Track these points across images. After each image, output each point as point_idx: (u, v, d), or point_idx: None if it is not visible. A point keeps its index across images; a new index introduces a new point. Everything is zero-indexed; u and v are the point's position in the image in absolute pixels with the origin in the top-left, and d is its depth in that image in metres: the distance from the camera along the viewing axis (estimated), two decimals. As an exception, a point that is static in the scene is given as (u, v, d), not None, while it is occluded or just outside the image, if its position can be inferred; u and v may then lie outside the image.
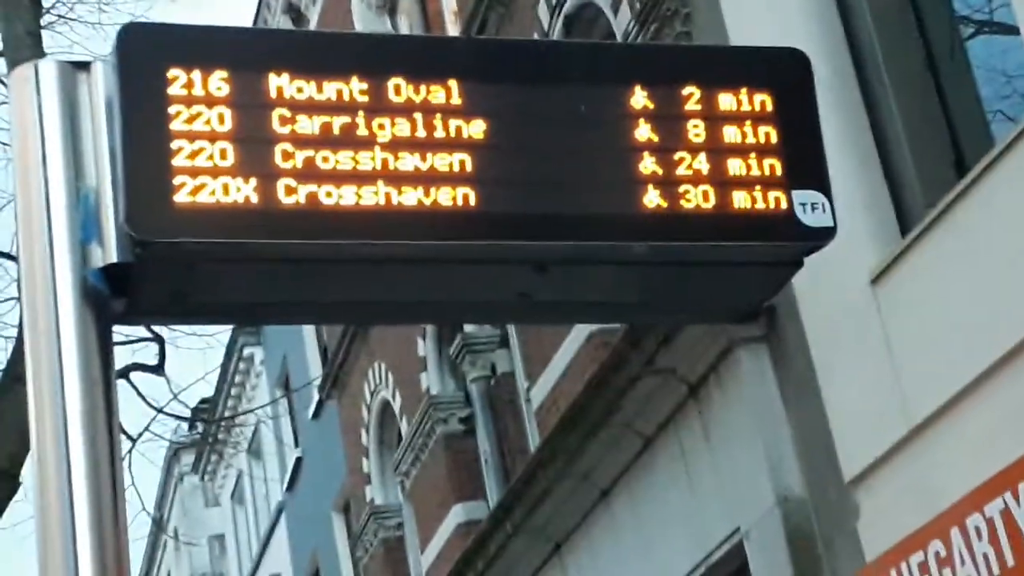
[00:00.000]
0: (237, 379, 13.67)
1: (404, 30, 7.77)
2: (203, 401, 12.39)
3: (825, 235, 0.91)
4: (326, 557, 11.43)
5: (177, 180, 0.84)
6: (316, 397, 10.37)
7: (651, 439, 4.82)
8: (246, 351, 13.34)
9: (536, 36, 5.46)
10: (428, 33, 7.07)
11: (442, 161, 0.84)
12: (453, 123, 0.85)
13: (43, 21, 5.11)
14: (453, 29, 6.74)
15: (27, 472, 4.29)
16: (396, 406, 8.08)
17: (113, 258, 0.84)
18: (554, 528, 5.57)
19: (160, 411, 6.43)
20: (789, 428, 4.18)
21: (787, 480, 4.13)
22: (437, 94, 0.86)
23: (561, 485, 5.32)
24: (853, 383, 3.88)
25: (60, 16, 6.07)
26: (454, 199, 0.83)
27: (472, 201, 0.83)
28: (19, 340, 4.37)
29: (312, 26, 8.93)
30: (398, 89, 0.84)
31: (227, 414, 13.57)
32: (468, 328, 6.65)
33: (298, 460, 12.04)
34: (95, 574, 0.81)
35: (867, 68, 3.93)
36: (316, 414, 10.80)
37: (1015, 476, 2.96)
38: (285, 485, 12.57)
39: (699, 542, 4.63)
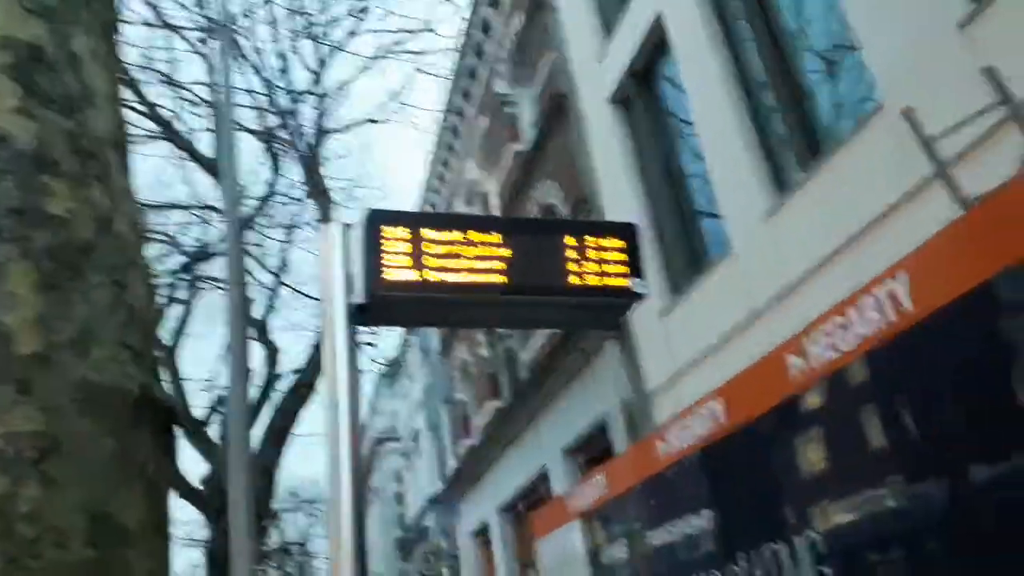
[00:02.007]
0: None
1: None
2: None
3: (644, 297, 2.11)
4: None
5: (385, 270, 2.03)
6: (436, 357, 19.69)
7: (571, 376, 10.49)
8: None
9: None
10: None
11: (492, 264, 2.05)
12: (495, 249, 2.07)
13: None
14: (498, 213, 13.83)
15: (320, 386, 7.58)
16: (471, 362, 16.49)
17: (360, 300, 2.03)
18: (531, 410, 11.86)
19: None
20: (626, 372, 9.10)
21: (624, 392, 9.07)
22: (488, 238, 2.08)
23: (535, 393, 11.53)
24: (653, 358, 8.72)
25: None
26: (496, 279, 2.04)
27: (503, 280, 2.03)
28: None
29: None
30: (474, 235, 2.06)
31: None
32: (500, 331, 13.61)
33: (429, 382, 21.66)
34: (349, 441, 1.95)
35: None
36: (438, 362, 19.84)
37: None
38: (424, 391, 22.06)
39: (589, 417, 10.09)
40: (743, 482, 4.55)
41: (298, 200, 10.85)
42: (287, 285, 11.74)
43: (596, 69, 10.03)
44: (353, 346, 1.98)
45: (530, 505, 12.39)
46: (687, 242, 8.58)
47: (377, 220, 2.02)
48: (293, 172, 10.67)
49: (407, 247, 2.00)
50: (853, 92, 6.56)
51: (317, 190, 8.96)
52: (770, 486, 4.26)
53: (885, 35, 5.71)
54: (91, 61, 1.14)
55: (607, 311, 2.12)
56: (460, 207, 16.38)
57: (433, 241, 2.02)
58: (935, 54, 5.24)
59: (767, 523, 4.21)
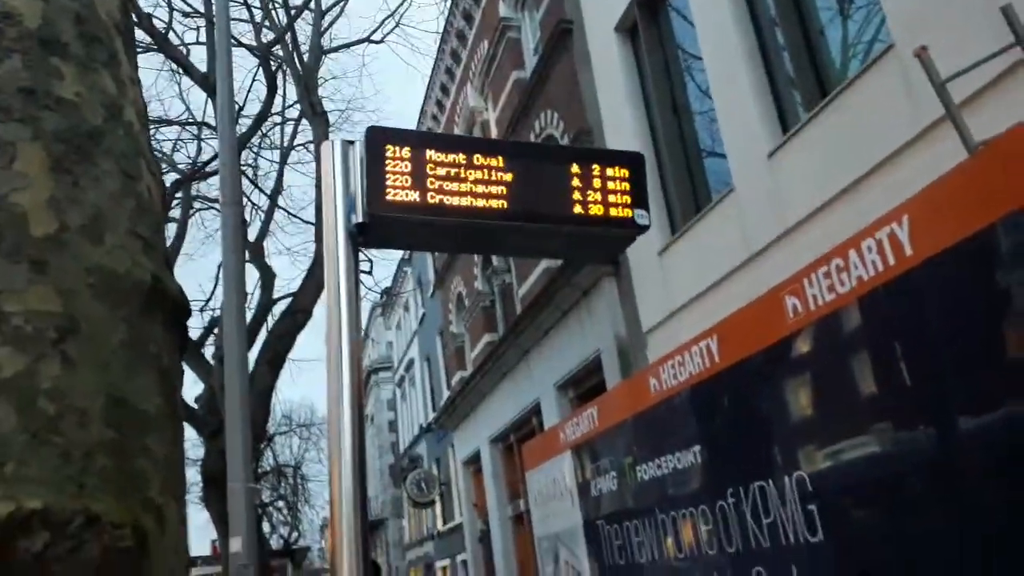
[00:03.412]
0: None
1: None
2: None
3: (647, 228, 2.09)
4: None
5: (387, 190, 2.00)
6: (432, 289, 20.52)
7: (566, 311, 10.60)
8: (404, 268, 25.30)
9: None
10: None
11: (494, 188, 2.02)
12: (498, 173, 2.04)
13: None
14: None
15: (317, 310, 8.23)
16: (465, 294, 16.46)
17: (359, 220, 2.00)
18: (524, 344, 12.11)
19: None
20: (621, 309, 9.23)
21: (618, 329, 9.26)
22: (493, 161, 2.04)
23: (529, 328, 11.63)
24: (649, 296, 8.83)
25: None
26: (498, 204, 2.01)
27: (505, 205, 2.00)
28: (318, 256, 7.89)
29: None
30: (479, 158, 2.02)
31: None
32: (495, 261, 14.31)
33: (423, 314, 23.27)
34: (350, 356, 1.95)
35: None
36: (433, 293, 20.59)
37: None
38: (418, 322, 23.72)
39: (582, 353, 10.20)
40: (734, 420, 4.61)
41: (294, 121, 10.66)
42: (282, 208, 11.68)
43: (604, -3, 9.76)
44: (354, 265, 1.97)
45: (521, 437, 12.63)
46: (688, 180, 8.50)
47: (380, 138, 1.98)
48: (290, 92, 10.50)
49: (409, 167, 1.97)
50: (864, 32, 6.40)
51: (314, 111, 8.81)
52: (761, 425, 4.32)
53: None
54: None
55: (609, 242, 2.10)
56: (459, 134, 16.17)
57: (436, 163, 1.98)
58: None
59: (756, 461, 4.28)
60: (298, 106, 9.87)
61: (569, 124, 10.46)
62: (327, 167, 1.98)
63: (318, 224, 8.58)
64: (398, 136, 2.00)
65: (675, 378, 5.05)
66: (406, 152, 1.97)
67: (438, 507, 21.26)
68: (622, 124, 9.19)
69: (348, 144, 2.00)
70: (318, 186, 8.71)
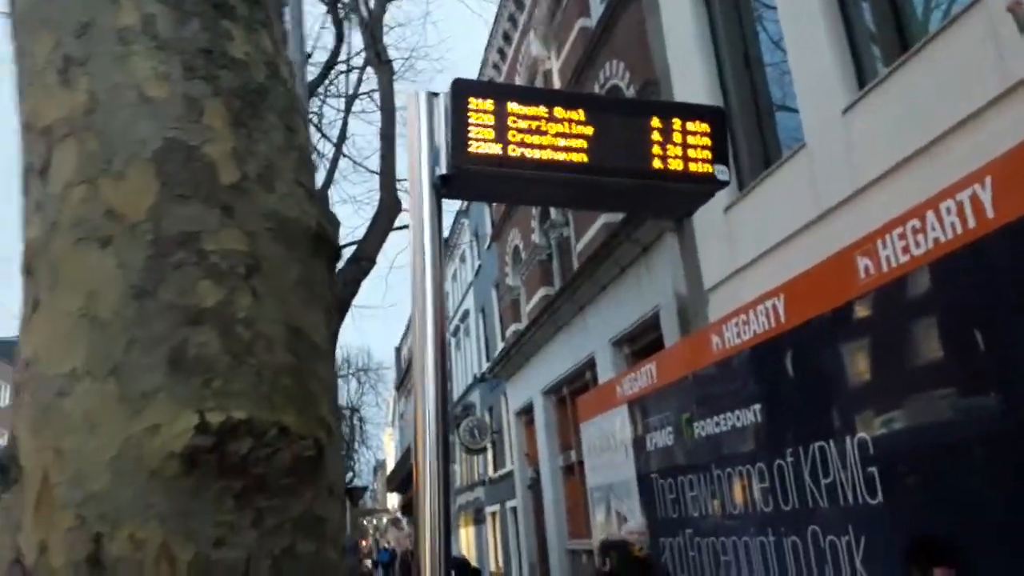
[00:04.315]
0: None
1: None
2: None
3: (727, 184, 2.08)
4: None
5: (470, 142, 2.04)
6: (489, 241, 20.72)
7: (624, 267, 10.53)
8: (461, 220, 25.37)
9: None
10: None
11: (575, 142, 2.04)
12: (579, 127, 2.05)
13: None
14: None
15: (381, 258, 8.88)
16: (522, 247, 16.51)
17: (443, 171, 2.04)
18: (580, 299, 12.13)
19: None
20: (683, 266, 9.06)
21: (679, 287, 9.12)
22: (573, 115, 2.05)
23: (586, 282, 11.62)
24: (712, 253, 8.65)
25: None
26: (578, 158, 2.03)
27: (585, 159, 2.02)
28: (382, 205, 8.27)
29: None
30: (560, 112, 2.04)
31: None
32: (553, 214, 14.42)
33: (479, 266, 23.14)
34: (433, 305, 2.02)
35: None
36: (490, 245, 20.59)
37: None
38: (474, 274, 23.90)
39: (640, 309, 10.14)
40: (797, 381, 4.60)
41: (359, 69, 10.73)
42: (347, 156, 11.84)
43: (676, -56, 9.47)
44: (438, 215, 2.02)
45: (574, 390, 12.76)
46: (758, 135, 8.31)
47: (464, 91, 2.01)
48: (355, 39, 10.56)
49: (492, 119, 2.00)
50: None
51: (379, 59, 8.86)
52: (825, 387, 4.30)
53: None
54: None
55: (687, 197, 2.11)
56: (521, 84, 16.02)
57: (517, 115, 2.01)
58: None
59: (818, 422, 4.27)
60: (362, 54, 9.94)
61: (635, 74, 10.28)
62: (412, 119, 2.02)
63: (383, 173, 8.68)
64: (481, 89, 2.02)
65: (738, 336, 5.04)
66: (489, 104, 2.00)
67: (489, 454, 21.70)
68: (690, 75, 8.99)
69: (433, 96, 2.04)
70: (384, 136, 8.79)
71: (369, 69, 9.92)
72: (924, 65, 5.69)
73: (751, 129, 8.36)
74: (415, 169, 2.02)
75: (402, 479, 33.12)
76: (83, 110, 1.07)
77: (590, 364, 12.16)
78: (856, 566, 3.87)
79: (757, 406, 4.91)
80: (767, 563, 4.63)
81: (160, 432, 0.95)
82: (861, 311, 4.03)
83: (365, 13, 9.15)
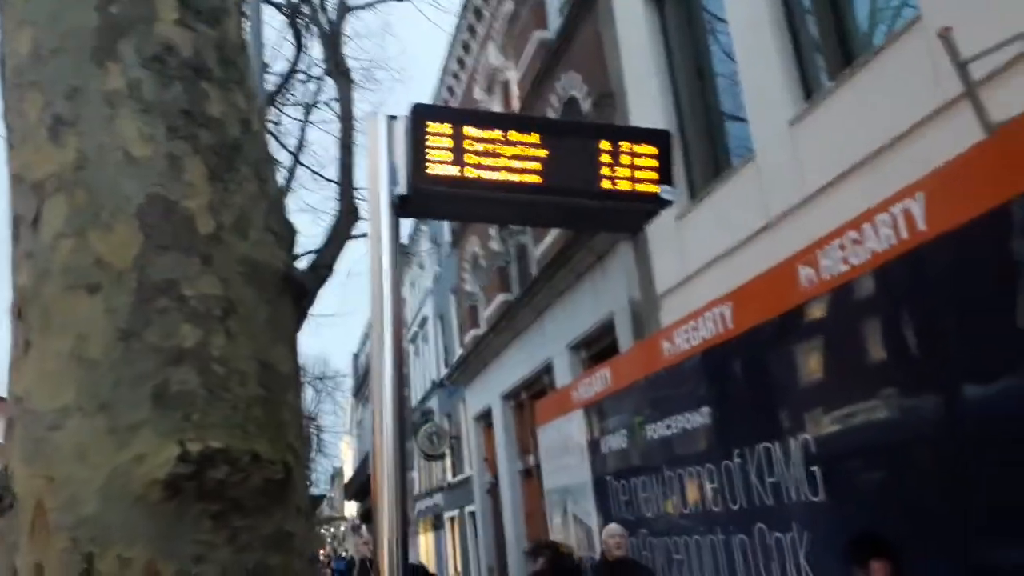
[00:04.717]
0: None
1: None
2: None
3: (671, 203, 2.21)
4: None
5: (428, 164, 2.13)
6: (448, 248, 20.47)
7: (581, 273, 10.68)
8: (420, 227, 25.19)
9: (551, 113, 11.88)
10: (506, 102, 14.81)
11: (528, 164, 2.14)
12: (533, 149, 2.16)
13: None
14: (517, 103, 14.03)
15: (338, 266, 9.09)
16: (481, 254, 16.65)
17: (402, 192, 2.13)
18: (538, 305, 12.18)
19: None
20: (637, 273, 9.33)
21: (633, 292, 9.36)
22: (527, 138, 2.16)
23: (544, 289, 11.74)
24: (664, 260, 8.86)
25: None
26: (532, 179, 2.13)
27: (539, 179, 2.12)
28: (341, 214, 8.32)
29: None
30: (514, 135, 2.14)
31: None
32: (512, 226, 13.76)
33: (438, 273, 22.87)
34: (392, 319, 2.11)
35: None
36: (449, 252, 20.26)
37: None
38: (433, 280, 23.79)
39: (596, 315, 10.28)
40: (744, 384, 4.78)
41: (318, 79, 10.74)
42: (305, 166, 11.80)
43: (630, -42, 9.68)
44: (396, 234, 2.10)
45: (533, 395, 12.89)
46: (710, 145, 8.54)
47: (422, 115, 2.09)
48: (314, 49, 10.60)
49: (449, 142, 2.08)
50: (893, -1, 6.39)
51: (338, 69, 8.89)
52: (770, 390, 4.48)
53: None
54: None
55: (635, 215, 2.22)
56: (479, 94, 16.14)
57: (474, 139, 2.09)
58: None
59: (764, 424, 4.45)
60: (321, 64, 9.95)
61: (592, 86, 10.46)
62: (371, 141, 2.10)
63: (341, 182, 8.71)
64: (439, 113, 2.11)
65: (688, 342, 5.21)
66: (446, 128, 2.08)
67: (448, 460, 21.71)
68: (646, 88, 9.19)
69: (392, 119, 2.12)
70: (343, 145, 8.81)
71: (328, 78, 9.94)
72: (867, 80, 5.94)
73: (703, 139, 8.59)
74: (374, 190, 2.10)
75: (360, 487, 32.87)
76: (73, 167, 1.17)
77: (548, 368, 12.31)
78: (800, 561, 4.05)
79: (706, 409, 5.08)
80: (717, 561, 4.79)
81: (145, 461, 1.06)
82: (803, 318, 4.22)
83: (325, 24, 9.17)
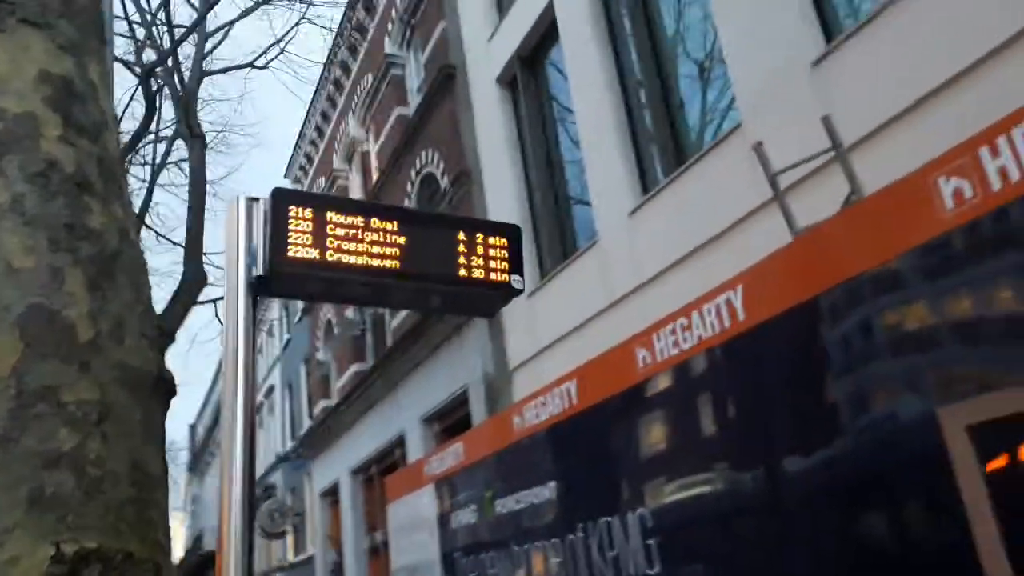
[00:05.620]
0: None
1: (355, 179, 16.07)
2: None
3: (521, 292, 2.39)
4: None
5: (288, 247, 2.19)
6: (300, 315, 20.09)
7: (437, 345, 10.85)
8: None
9: (409, 187, 12.39)
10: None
11: (388, 250, 2.25)
12: (392, 236, 2.27)
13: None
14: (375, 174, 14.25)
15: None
16: (335, 322, 16.38)
17: (260, 272, 2.17)
18: (393, 376, 12.21)
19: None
20: (491, 347, 9.63)
21: (487, 366, 9.58)
22: (388, 226, 2.27)
23: (399, 360, 11.90)
24: (517, 334, 9.26)
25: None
26: (391, 264, 2.24)
27: (397, 265, 2.23)
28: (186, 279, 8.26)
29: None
30: (375, 222, 2.25)
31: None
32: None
33: (288, 340, 22.53)
34: (244, 400, 2.11)
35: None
36: (300, 319, 20.09)
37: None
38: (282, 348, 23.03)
39: (449, 388, 10.48)
40: (588, 459, 4.99)
41: (167, 139, 10.41)
42: (150, 228, 11.29)
43: (487, 47, 10.21)
44: (251, 314, 2.12)
45: (383, 469, 12.64)
46: (559, 227, 8.99)
47: (284, 199, 2.16)
48: (166, 110, 10.33)
49: (310, 227, 2.15)
50: (720, 101, 7.12)
51: (191, 132, 8.69)
52: (611, 464, 4.72)
53: (749, 59, 6.26)
54: (101, 86, 1.29)
55: (488, 301, 2.37)
56: (337, 164, 16.16)
57: (335, 224, 2.18)
58: (790, 85, 5.82)
59: (605, 498, 4.66)
60: (173, 125, 9.68)
61: (450, 165, 10.79)
62: (232, 221, 2.14)
63: (187, 246, 8.41)
64: (302, 198, 2.18)
65: (537, 417, 5.39)
66: (308, 213, 2.16)
67: (290, 538, 20.66)
68: (500, 170, 9.61)
69: (253, 201, 2.17)
70: (191, 208, 8.55)
71: (179, 140, 9.68)
72: (696, 178, 6.55)
73: (552, 222, 9.05)
74: (232, 269, 2.12)
75: (193, 568, 30.44)
76: None
77: (400, 442, 12.16)
78: (638, 633, 4.21)
79: (553, 483, 5.25)
80: (561, 635, 4.88)
81: (20, 563, 1.08)
82: (640, 396, 4.51)
83: (179, 86, 8.99)
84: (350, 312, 15.31)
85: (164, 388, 1.34)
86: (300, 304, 20.21)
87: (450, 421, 10.78)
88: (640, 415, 4.53)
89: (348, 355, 15.35)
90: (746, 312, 3.78)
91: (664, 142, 7.40)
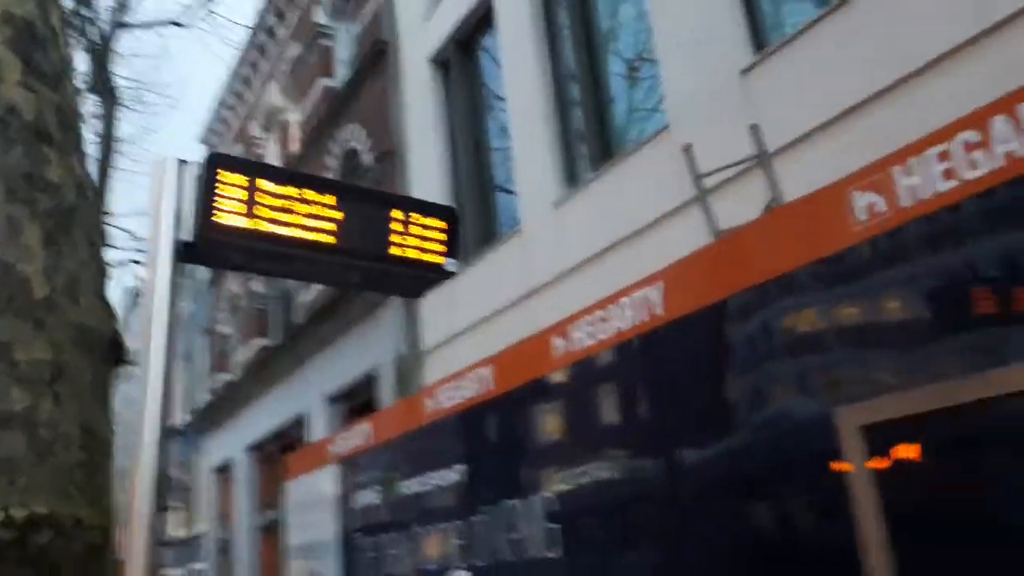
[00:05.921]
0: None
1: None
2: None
3: (454, 274, 2.39)
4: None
5: (217, 213, 2.11)
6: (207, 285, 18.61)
7: (352, 321, 10.64)
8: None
9: (331, 161, 12.19)
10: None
11: (324, 224, 2.21)
12: (329, 210, 2.23)
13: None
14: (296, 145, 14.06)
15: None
16: (241, 294, 15.62)
17: (188, 238, 2.09)
18: (302, 352, 11.93)
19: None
20: (406, 329, 9.58)
21: (400, 347, 9.52)
22: (325, 199, 2.23)
23: (308, 337, 11.69)
24: (433, 314, 9.17)
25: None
26: (326, 239, 2.20)
27: (333, 240, 2.19)
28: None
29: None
30: (311, 194, 2.20)
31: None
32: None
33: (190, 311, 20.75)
34: (163, 370, 2.02)
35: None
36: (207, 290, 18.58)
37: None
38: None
39: (359, 367, 10.39)
40: (498, 444, 5.05)
41: (78, 92, 9.85)
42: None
43: (423, 26, 10.08)
44: (175, 281, 2.04)
45: (282, 447, 12.38)
46: (482, 213, 8.99)
47: (216, 163, 2.08)
48: (78, 61, 9.73)
49: (242, 194, 2.09)
50: (649, 101, 7.26)
51: (104, 86, 8.24)
52: (518, 449, 4.78)
53: (680, 61, 6.41)
54: (61, 33, 1.21)
55: (418, 282, 2.36)
56: (256, 131, 15.66)
57: (268, 193, 2.13)
58: (719, 90, 6.00)
59: (510, 481, 4.72)
60: (86, 78, 9.17)
61: (376, 142, 10.61)
62: (157, 182, 2.05)
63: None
64: (234, 163, 2.11)
65: (451, 400, 5.40)
66: (241, 179, 2.09)
67: (178, 514, 20.03)
68: (426, 150, 9.52)
69: (183, 163, 2.09)
70: (100, 166, 8.11)
71: (91, 95, 9.17)
72: (622, 173, 6.68)
73: (476, 206, 9.04)
74: (156, 233, 2.04)
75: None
76: None
77: (302, 420, 11.94)
78: (538, 616, 4.30)
79: (461, 467, 5.28)
80: (460, 617, 4.93)
81: None
82: (554, 383, 4.59)
83: (96, 37, 8.49)
84: (258, 285, 14.89)
85: (117, 351, 1.27)
86: (207, 274, 19.52)
87: (357, 401, 10.66)
88: (553, 403, 4.60)
89: (252, 329, 14.94)
90: (664, 308, 3.90)
91: (592, 138, 7.50)
